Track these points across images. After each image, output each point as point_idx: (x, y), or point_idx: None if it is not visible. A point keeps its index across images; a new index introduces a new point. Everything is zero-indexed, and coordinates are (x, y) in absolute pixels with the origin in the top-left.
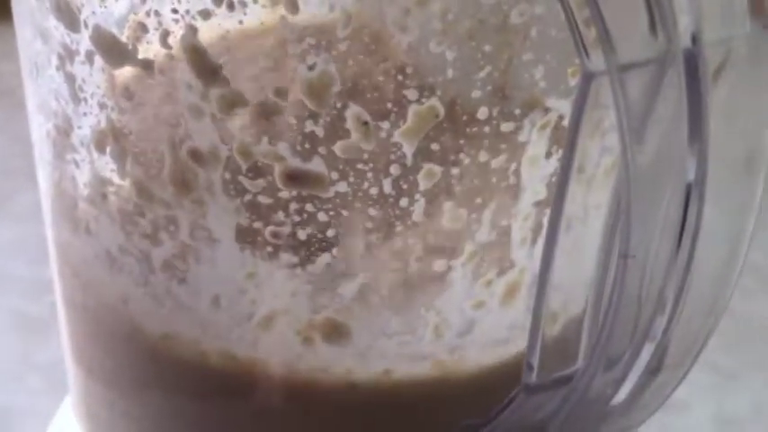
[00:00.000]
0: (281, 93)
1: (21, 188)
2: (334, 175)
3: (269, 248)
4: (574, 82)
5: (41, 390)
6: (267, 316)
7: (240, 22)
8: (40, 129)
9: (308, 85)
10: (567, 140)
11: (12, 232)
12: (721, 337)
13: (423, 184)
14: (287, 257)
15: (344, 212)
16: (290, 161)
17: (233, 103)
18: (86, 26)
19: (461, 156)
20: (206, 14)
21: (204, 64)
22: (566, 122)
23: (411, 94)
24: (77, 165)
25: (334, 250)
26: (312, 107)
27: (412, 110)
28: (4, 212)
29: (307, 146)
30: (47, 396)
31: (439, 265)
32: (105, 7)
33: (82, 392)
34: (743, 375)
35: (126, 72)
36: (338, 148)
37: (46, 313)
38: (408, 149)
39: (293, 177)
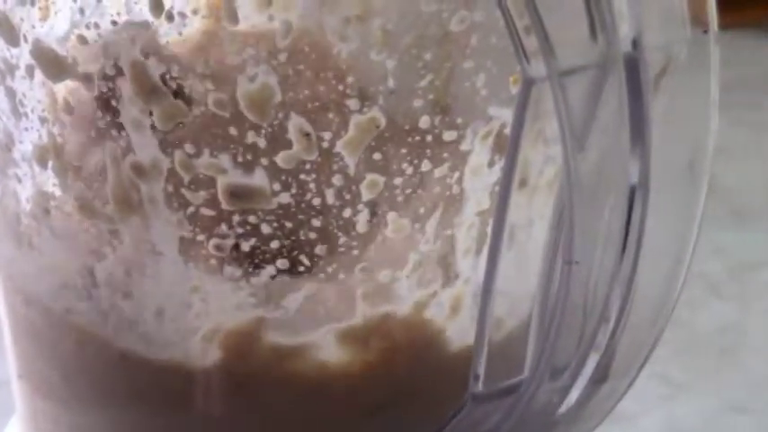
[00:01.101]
0: (221, 104)
1: None
2: (277, 187)
3: (212, 261)
4: (516, 90)
5: None
6: (213, 329)
7: (179, 33)
8: None
9: (249, 97)
10: (509, 148)
11: None
12: (670, 347)
13: (366, 195)
14: (231, 270)
15: (288, 224)
16: (231, 173)
17: (173, 115)
18: (26, 41)
19: (404, 165)
20: (145, 26)
21: (144, 81)
22: (508, 131)
23: (353, 103)
24: (19, 180)
25: (279, 262)
26: (253, 119)
27: (353, 120)
28: None
29: (249, 157)
30: None
31: (384, 275)
32: (45, 22)
33: (28, 409)
34: (692, 386)
35: (67, 86)
36: (280, 159)
37: None
38: (351, 160)
39: (235, 194)
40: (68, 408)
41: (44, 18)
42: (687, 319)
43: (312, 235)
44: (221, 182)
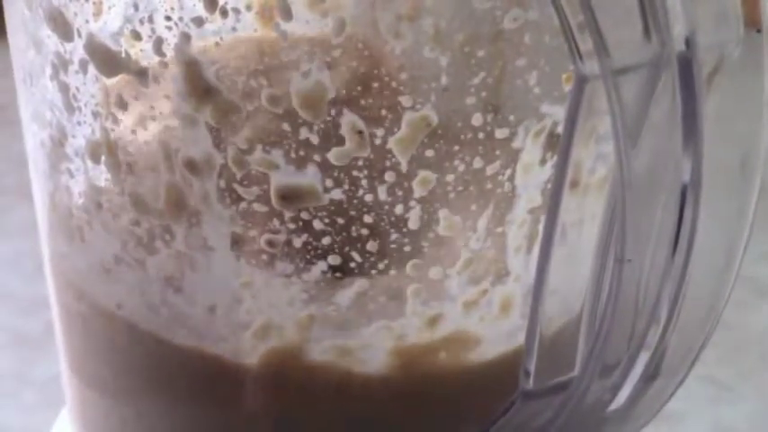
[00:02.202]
0: (274, 100)
1: (14, 205)
2: (329, 183)
3: (264, 257)
4: (568, 88)
5: (36, 406)
6: (263, 325)
7: (233, 29)
8: (34, 138)
9: (303, 95)
10: (561, 146)
11: (6, 249)
12: (717, 348)
13: (418, 192)
14: (282, 266)
15: (340, 220)
16: (283, 169)
17: (226, 111)
18: (80, 35)
19: (456, 162)
20: (199, 22)
21: (198, 79)
22: (560, 129)
23: (405, 100)
24: (72, 174)
25: (330, 258)
26: (307, 117)
27: (406, 117)
28: None
29: (301, 153)
30: (42, 412)
31: (435, 272)
32: (99, 18)
33: (79, 402)
34: (739, 387)
35: (120, 81)
36: (332, 155)
37: (40, 329)
38: (403, 157)
39: (286, 197)
40: (118, 401)
41: (98, 13)
42: (735, 321)
43: (364, 231)
44: (273, 183)
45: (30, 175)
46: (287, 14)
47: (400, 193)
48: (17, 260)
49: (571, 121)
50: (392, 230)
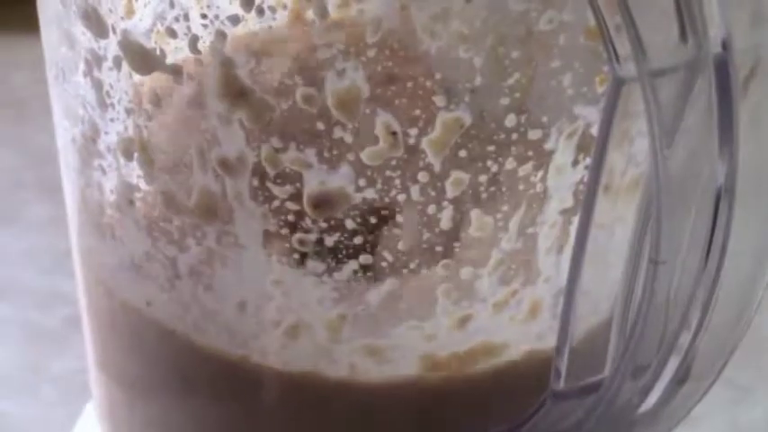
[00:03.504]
0: (309, 99)
1: (32, 200)
2: (362, 182)
3: (295, 255)
4: (601, 90)
5: (55, 401)
6: (294, 323)
7: (270, 27)
8: (65, 134)
9: (338, 95)
10: (596, 148)
11: (24, 243)
12: (737, 351)
13: (450, 192)
14: (313, 264)
15: (372, 220)
16: (316, 168)
17: (260, 112)
18: (114, 32)
19: (489, 163)
20: (235, 20)
21: (232, 78)
22: (593, 130)
23: (439, 100)
24: (104, 171)
25: (361, 257)
26: (341, 118)
27: (440, 118)
28: (17, 224)
29: (335, 152)
30: (61, 407)
31: (465, 272)
32: (133, 14)
33: (106, 399)
34: (757, 389)
35: (154, 78)
36: (366, 155)
37: (59, 324)
38: (436, 157)
39: (318, 206)
40: (145, 397)
41: (131, 10)
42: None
43: (396, 231)
44: (305, 191)
45: (50, 171)
46: (323, 13)
47: (433, 193)
48: (35, 254)
49: (607, 122)
50: (424, 230)
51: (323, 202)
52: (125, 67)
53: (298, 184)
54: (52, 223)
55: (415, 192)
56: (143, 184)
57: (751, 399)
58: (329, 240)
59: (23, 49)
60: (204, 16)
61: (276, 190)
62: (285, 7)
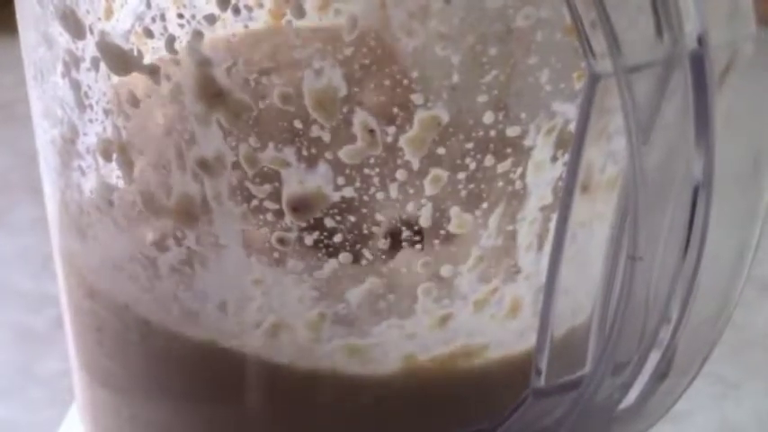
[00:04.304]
0: (287, 98)
1: (20, 201)
2: (341, 181)
3: (275, 254)
4: (579, 86)
5: (43, 402)
6: (275, 322)
7: (246, 26)
8: (44, 135)
9: (315, 95)
10: (574, 144)
11: (12, 245)
12: (723, 346)
13: (429, 189)
14: (293, 263)
15: (351, 218)
16: (295, 167)
17: (238, 110)
18: (92, 33)
19: (467, 160)
20: (211, 19)
21: (209, 79)
22: (571, 127)
23: (417, 98)
24: (83, 172)
25: (341, 256)
26: (319, 116)
27: (417, 116)
28: (4, 226)
29: (313, 151)
30: (49, 408)
31: (445, 270)
32: (111, 15)
33: (88, 399)
34: (745, 385)
35: (132, 78)
36: (344, 153)
37: (47, 326)
38: (414, 155)
39: (297, 209)
40: (128, 398)
41: (110, 10)
42: (741, 319)
43: (375, 229)
44: (284, 195)
45: (38, 172)
46: (299, 12)
47: (411, 191)
48: (23, 256)
49: (583, 118)
50: (404, 228)
51: (301, 206)
52: (103, 67)
53: (276, 184)
54: (40, 225)
55: (393, 190)
56: (122, 185)
57: (738, 394)
58: (309, 239)
59: (9, 51)
60: (181, 16)
61: (255, 189)
62: (262, 6)
